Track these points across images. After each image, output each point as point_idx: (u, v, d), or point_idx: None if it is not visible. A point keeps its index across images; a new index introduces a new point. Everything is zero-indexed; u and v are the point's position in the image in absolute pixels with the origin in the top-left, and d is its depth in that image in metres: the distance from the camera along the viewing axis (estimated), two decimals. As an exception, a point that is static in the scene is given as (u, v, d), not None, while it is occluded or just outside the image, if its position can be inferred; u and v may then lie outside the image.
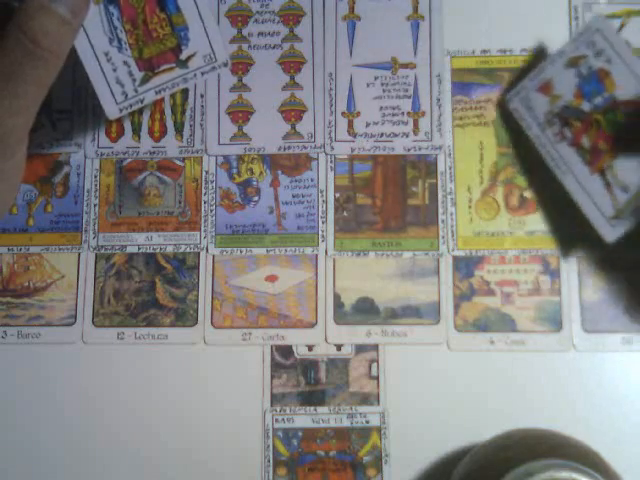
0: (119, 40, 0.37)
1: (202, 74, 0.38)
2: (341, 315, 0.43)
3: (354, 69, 0.45)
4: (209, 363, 0.43)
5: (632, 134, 0.38)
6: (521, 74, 0.43)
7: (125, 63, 0.37)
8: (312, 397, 0.42)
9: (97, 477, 0.42)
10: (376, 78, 0.45)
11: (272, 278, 0.43)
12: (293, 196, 0.44)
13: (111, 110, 0.38)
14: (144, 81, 0.38)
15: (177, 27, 0.37)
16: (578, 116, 0.39)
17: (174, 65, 0.38)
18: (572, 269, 0.43)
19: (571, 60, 0.39)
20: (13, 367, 0.43)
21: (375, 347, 0.42)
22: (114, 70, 0.37)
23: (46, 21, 0.32)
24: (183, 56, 0.38)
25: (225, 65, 0.39)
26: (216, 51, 0.38)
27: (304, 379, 0.42)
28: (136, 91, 0.38)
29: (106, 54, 0.37)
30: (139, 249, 0.44)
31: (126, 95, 0.38)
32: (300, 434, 0.42)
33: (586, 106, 0.39)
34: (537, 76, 0.41)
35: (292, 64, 0.45)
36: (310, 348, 0.43)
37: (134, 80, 0.38)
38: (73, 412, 0.42)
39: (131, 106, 0.38)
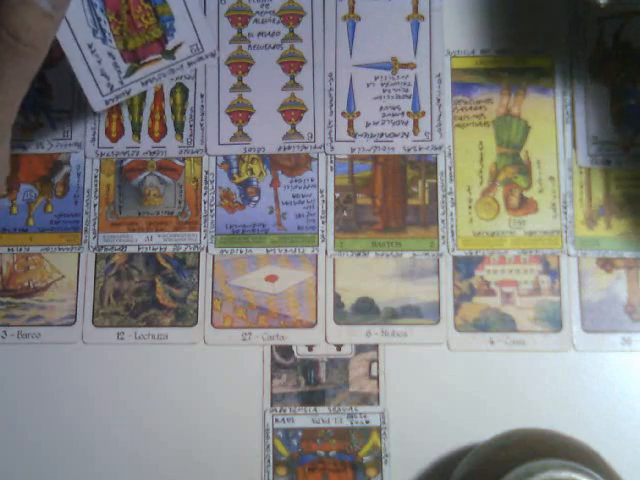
0: (103, 31, 0.36)
1: (189, 64, 0.38)
2: (341, 315, 0.43)
3: (354, 69, 0.45)
4: (209, 363, 0.42)
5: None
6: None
7: (110, 55, 0.37)
8: (312, 397, 0.42)
9: (97, 477, 0.42)
10: (376, 78, 0.45)
11: (272, 278, 0.43)
12: (293, 196, 0.44)
13: (96, 102, 0.37)
14: (130, 73, 0.37)
15: (162, 17, 0.37)
16: None
17: (160, 56, 0.38)
18: (572, 269, 0.43)
19: None
20: (13, 367, 0.43)
21: (375, 347, 0.42)
22: (99, 62, 0.37)
23: (27, 15, 0.31)
24: (169, 47, 0.38)
25: (213, 55, 0.38)
26: (203, 41, 0.38)
27: (304, 379, 0.42)
28: (122, 83, 0.37)
29: (90, 46, 0.36)
30: (139, 249, 0.44)
31: (112, 87, 0.37)
32: (300, 434, 0.42)
33: None
34: None
35: (292, 64, 0.45)
36: (310, 348, 0.43)
37: (119, 72, 0.37)
38: (73, 412, 0.42)
39: (117, 98, 0.37)
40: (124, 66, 0.37)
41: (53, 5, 0.32)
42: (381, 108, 0.44)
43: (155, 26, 0.37)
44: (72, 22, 0.36)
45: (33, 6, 0.32)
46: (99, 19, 0.36)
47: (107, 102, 0.37)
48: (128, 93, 0.38)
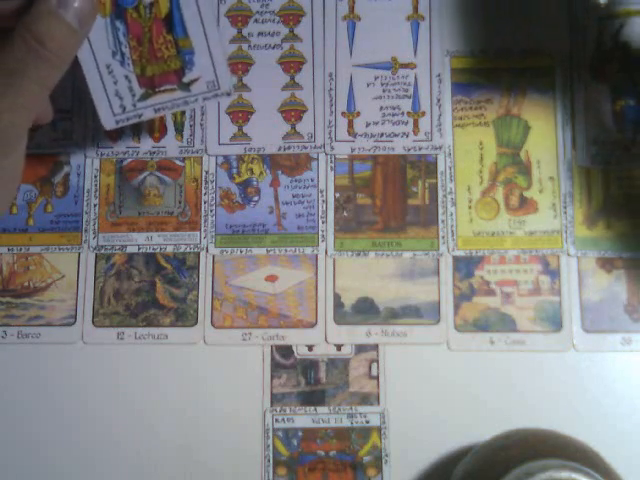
0: (122, 55, 0.37)
1: (203, 99, 0.39)
2: (341, 315, 0.43)
3: (354, 69, 0.45)
4: (209, 363, 0.43)
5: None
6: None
7: (126, 78, 0.37)
8: (312, 397, 0.42)
9: (97, 477, 0.42)
10: (376, 78, 0.45)
11: (272, 278, 0.43)
12: (293, 196, 0.44)
13: (108, 121, 0.38)
14: (144, 98, 0.38)
15: (183, 50, 0.38)
16: None
17: (176, 87, 0.38)
18: (572, 269, 0.43)
19: None
20: (13, 367, 0.43)
21: (375, 347, 0.42)
22: (114, 83, 0.37)
23: (53, 26, 0.33)
24: (186, 79, 0.38)
25: (228, 94, 0.39)
26: (220, 79, 0.38)
27: (304, 379, 0.42)
28: (134, 106, 0.38)
29: (108, 66, 0.37)
30: (139, 249, 0.44)
31: (124, 108, 0.38)
32: (300, 434, 0.42)
33: None
34: None
35: (292, 64, 0.45)
36: (310, 348, 0.43)
37: (134, 95, 0.38)
38: (73, 412, 0.42)
39: (128, 119, 0.38)
40: (139, 90, 0.38)
41: (79, 22, 0.33)
42: (381, 108, 0.44)
43: (175, 58, 0.38)
44: (93, 41, 0.36)
45: (60, 19, 0.33)
46: (120, 43, 0.37)
47: (117, 122, 0.38)
48: (140, 117, 0.38)
